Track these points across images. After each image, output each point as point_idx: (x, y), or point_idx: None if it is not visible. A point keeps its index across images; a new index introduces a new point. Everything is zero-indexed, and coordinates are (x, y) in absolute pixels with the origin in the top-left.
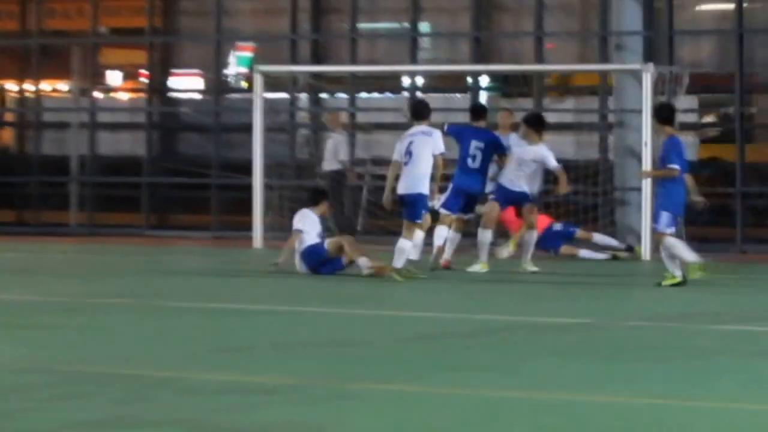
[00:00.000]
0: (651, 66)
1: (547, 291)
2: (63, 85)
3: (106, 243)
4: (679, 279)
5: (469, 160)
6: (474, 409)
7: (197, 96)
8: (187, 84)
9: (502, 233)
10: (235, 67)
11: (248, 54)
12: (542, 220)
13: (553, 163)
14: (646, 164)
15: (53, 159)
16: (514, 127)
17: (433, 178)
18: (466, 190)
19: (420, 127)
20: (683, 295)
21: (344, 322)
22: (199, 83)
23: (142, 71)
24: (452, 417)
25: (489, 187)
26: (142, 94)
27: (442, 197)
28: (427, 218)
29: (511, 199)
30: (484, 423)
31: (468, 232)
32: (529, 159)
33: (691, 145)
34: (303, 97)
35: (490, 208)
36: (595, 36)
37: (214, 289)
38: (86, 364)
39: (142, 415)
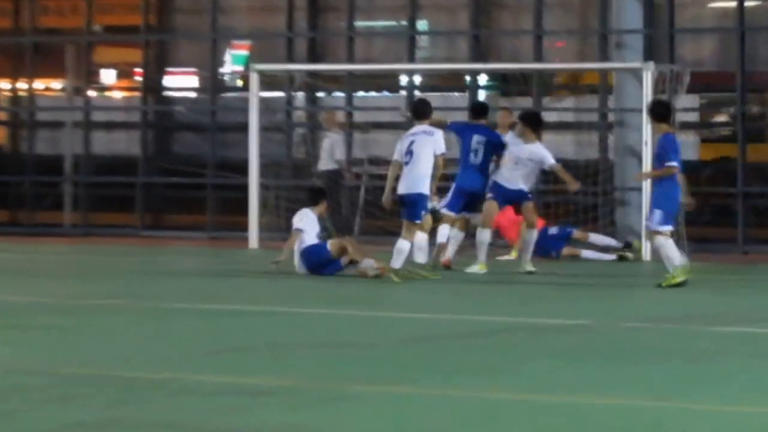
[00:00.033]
0: (651, 64)
1: (547, 292)
2: (57, 84)
3: (100, 243)
4: (679, 280)
5: (471, 155)
6: (473, 411)
7: (193, 95)
8: (182, 83)
9: (499, 238)
10: (230, 65)
11: (244, 52)
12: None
13: (550, 161)
14: (647, 164)
15: (47, 158)
16: (513, 126)
17: (432, 178)
18: (468, 189)
19: (421, 127)
20: (684, 296)
21: (342, 324)
22: (194, 82)
23: (137, 70)
24: (451, 419)
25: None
26: (136, 93)
27: (444, 198)
28: (427, 219)
29: (510, 197)
30: (483, 425)
31: (468, 233)
32: (525, 157)
33: (690, 145)
34: (299, 95)
35: (488, 207)
36: (595, 34)
37: (209, 290)
38: (82, 365)
39: (137, 417)
